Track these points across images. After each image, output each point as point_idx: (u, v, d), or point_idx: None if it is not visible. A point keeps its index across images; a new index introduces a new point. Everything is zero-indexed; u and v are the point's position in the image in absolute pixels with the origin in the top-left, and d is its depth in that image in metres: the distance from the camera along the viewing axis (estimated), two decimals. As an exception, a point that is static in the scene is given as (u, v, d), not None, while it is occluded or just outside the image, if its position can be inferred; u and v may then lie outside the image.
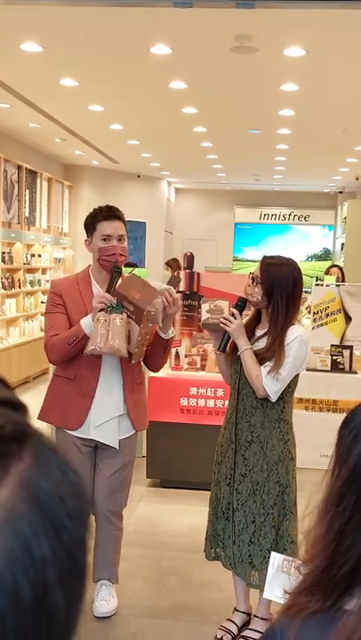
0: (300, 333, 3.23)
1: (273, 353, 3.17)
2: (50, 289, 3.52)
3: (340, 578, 0.94)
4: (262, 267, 3.24)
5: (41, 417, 3.51)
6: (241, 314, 3.30)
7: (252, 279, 3.25)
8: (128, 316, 3.23)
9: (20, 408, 0.58)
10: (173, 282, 3.40)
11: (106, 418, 3.42)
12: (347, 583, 0.94)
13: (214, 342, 3.44)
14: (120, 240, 3.40)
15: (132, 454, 3.62)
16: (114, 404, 3.44)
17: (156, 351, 3.46)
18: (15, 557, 0.47)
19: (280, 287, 3.18)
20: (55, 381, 3.52)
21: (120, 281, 3.36)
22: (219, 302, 3.35)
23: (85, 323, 3.26)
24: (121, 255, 3.40)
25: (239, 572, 3.34)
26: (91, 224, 3.43)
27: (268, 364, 3.17)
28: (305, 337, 3.26)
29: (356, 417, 1.01)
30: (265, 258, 3.30)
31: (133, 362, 3.34)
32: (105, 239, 3.37)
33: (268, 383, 3.16)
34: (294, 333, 3.21)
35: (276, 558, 1.62)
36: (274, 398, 3.21)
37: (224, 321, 3.24)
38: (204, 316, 3.35)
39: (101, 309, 3.21)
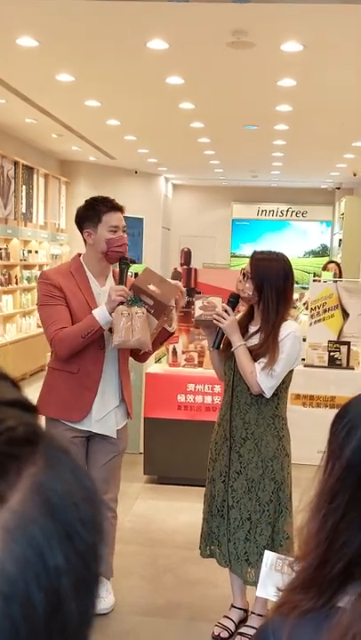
0: (293, 329, 3.22)
1: (267, 349, 3.16)
2: (43, 280, 3.37)
3: (334, 576, 0.92)
4: (252, 262, 3.23)
5: (40, 412, 3.47)
6: (234, 310, 3.29)
7: (243, 275, 3.24)
8: (147, 310, 3.24)
9: (31, 409, 0.56)
10: (177, 276, 3.42)
11: (106, 411, 3.43)
12: (340, 581, 0.92)
13: (208, 339, 3.43)
14: (125, 231, 3.42)
15: (126, 441, 3.64)
16: (112, 396, 3.45)
17: (156, 343, 3.47)
18: (28, 565, 0.45)
19: (270, 282, 3.17)
20: (54, 374, 3.46)
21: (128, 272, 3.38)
22: (212, 299, 3.33)
23: (100, 315, 3.20)
24: (126, 246, 3.41)
25: (235, 569, 3.33)
26: (94, 215, 3.36)
27: (263, 361, 3.15)
28: (298, 333, 3.25)
29: (349, 412, 0.99)
30: (255, 253, 3.30)
31: (141, 353, 3.38)
32: (113, 230, 3.34)
33: (263, 379, 3.15)
34: (288, 329, 3.19)
35: (269, 557, 1.61)
36: (268, 395, 3.19)
37: (217, 318, 3.22)
38: (198, 312, 3.33)
39: (121, 302, 3.19)
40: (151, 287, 3.25)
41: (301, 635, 0.92)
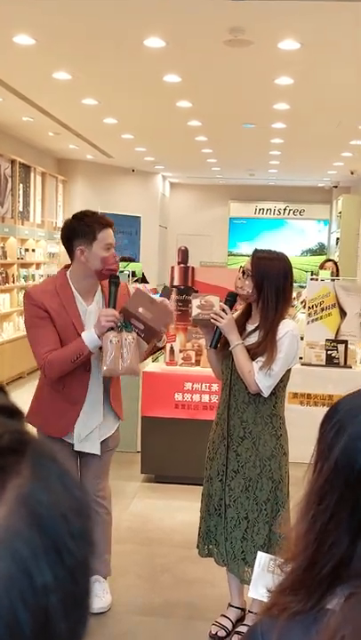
0: (290, 328, 3.22)
1: (265, 348, 3.15)
2: (28, 301, 3.27)
3: (323, 577, 0.92)
4: (253, 260, 3.22)
5: (28, 420, 3.47)
6: (231, 309, 3.28)
7: (243, 272, 3.23)
8: (137, 334, 3.20)
9: (17, 415, 0.54)
10: (166, 293, 3.37)
11: (89, 430, 3.40)
12: (329, 582, 0.92)
13: (205, 337, 3.42)
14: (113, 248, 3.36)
15: (116, 441, 3.61)
16: (97, 415, 3.41)
17: (145, 355, 3.46)
18: (14, 583, 0.43)
19: (270, 280, 3.17)
20: (42, 389, 3.45)
21: (118, 290, 3.31)
22: (209, 297, 3.31)
23: (89, 339, 3.15)
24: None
25: (232, 568, 3.32)
26: (89, 232, 3.23)
27: (260, 360, 3.14)
28: (296, 331, 3.24)
29: (338, 412, 0.98)
30: (257, 251, 3.29)
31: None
32: (108, 248, 3.26)
33: (261, 379, 3.14)
34: (285, 328, 3.19)
35: (262, 558, 1.61)
36: (266, 394, 3.18)
37: (215, 317, 3.21)
38: (195, 311, 3.30)
39: (110, 328, 3.13)
40: (141, 311, 3.18)
41: (290, 637, 0.91)
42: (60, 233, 3.45)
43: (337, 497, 0.92)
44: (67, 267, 3.41)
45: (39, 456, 0.50)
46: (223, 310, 3.22)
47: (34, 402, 3.48)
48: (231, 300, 3.29)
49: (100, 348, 3.21)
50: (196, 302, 3.32)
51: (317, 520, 0.93)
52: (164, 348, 3.54)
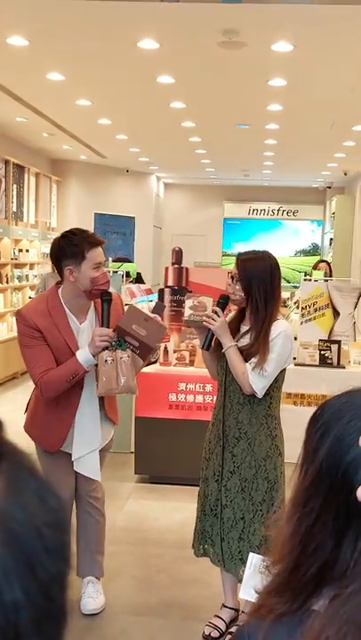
0: (283, 328, 3.22)
1: (257, 349, 3.16)
2: (21, 322, 3.25)
3: (308, 580, 0.92)
4: (238, 263, 3.23)
5: (25, 428, 3.48)
6: (223, 311, 3.28)
7: (232, 277, 3.24)
8: (132, 351, 3.19)
9: None
10: (159, 308, 3.36)
11: (86, 450, 3.40)
12: (314, 584, 0.92)
13: (199, 338, 3.42)
14: (103, 266, 3.30)
15: (110, 443, 3.62)
16: (93, 437, 3.40)
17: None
18: None
19: (257, 281, 3.17)
20: (36, 402, 3.44)
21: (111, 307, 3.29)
22: (202, 298, 3.31)
23: (84, 359, 3.15)
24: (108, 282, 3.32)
25: (229, 568, 3.33)
26: (77, 252, 3.19)
27: (253, 361, 3.16)
28: (289, 332, 3.25)
29: (324, 414, 0.98)
30: (240, 254, 3.29)
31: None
32: (97, 267, 3.22)
33: (255, 380, 3.15)
34: (278, 329, 3.20)
35: (253, 558, 1.61)
36: (260, 395, 3.19)
37: (207, 319, 3.21)
38: (187, 312, 3.30)
39: (105, 347, 3.13)
40: (135, 328, 3.17)
41: (276, 638, 0.91)
42: (49, 249, 3.41)
43: (322, 500, 0.92)
44: (59, 283, 3.37)
45: (15, 468, 0.49)
46: (216, 313, 3.22)
47: (30, 414, 3.49)
48: (224, 302, 3.28)
49: (96, 366, 3.20)
50: (188, 303, 3.32)
51: (302, 522, 0.94)
52: (165, 334, 3.54)
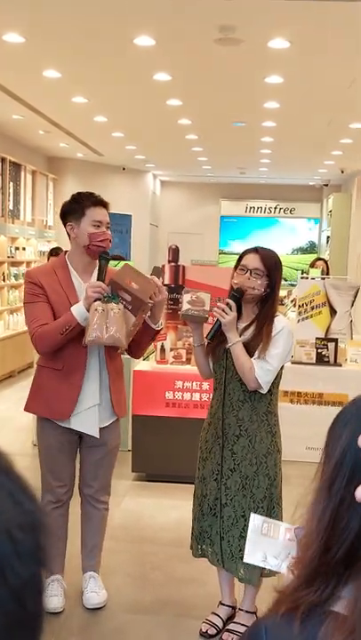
0: (285, 324, 3.26)
1: (259, 342, 3.17)
2: (27, 279, 3.41)
3: (338, 561, 0.92)
4: (263, 259, 3.23)
5: (27, 408, 3.52)
6: (236, 305, 3.25)
7: (250, 272, 3.21)
8: (124, 306, 3.22)
9: None
10: (157, 272, 3.36)
11: (82, 408, 3.41)
12: (344, 567, 0.92)
13: (193, 333, 3.40)
14: (108, 228, 3.39)
15: (116, 440, 3.63)
16: (91, 394, 3.42)
17: (143, 339, 3.45)
18: None
19: (279, 276, 3.26)
20: (41, 372, 3.48)
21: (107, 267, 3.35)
22: (200, 294, 3.30)
23: (78, 311, 3.21)
24: (109, 242, 3.39)
25: (229, 567, 3.32)
26: (78, 209, 3.36)
27: (256, 354, 3.16)
28: (290, 327, 3.29)
29: (347, 412, 1.00)
30: (261, 249, 3.29)
31: (119, 351, 3.33)
32: (96, 225, 3.33)
33: (261, 374, 3.15)
34: (281, 323, 3.23)
35: (255, 520, 1.59)
36: (265, 389, 3.19)
37: (220, 311, 3.18)
38: (185, 306, 3.29)
39: (97, 299, 3.18)
40: (129, 282, 3.22)
41: (304, 634, 0.91)
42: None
43: (346, 481, 0.93)
44: (66, 252, 3.51)
45: None
46: (229, 306, 3.19)
47: (33, 387, 3.51)
48: (238, 296, 3.22)
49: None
50: (186, 297, 3.30)
51: (329, 505, 0.95)
52: (158, 334, 3.53)
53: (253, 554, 1.55)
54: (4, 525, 0.45)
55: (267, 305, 3.23)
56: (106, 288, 3.21)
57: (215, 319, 3.22)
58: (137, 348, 3.51)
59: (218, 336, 3.26)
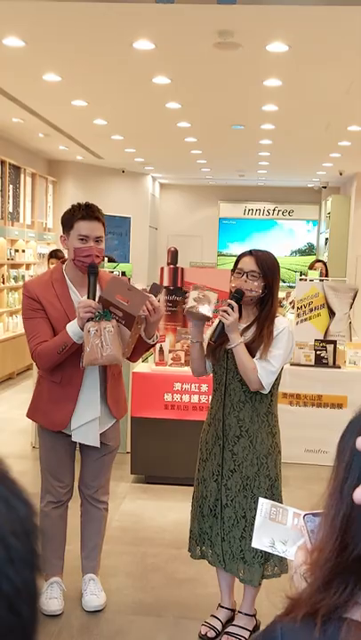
0: (286, 324, 3.29)
1: (260, 342, 3.19)
2: (24, 293, 3.39)
3: (355, 559, 0.92)
4: (258, 261, 3.26)
5: (29, 415, 3.58)
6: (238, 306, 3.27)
7: (246, 274, 3.24)
8: (117, 321, 3.19)
9: None
10: (155, 289, 3.33)
11: (83, 421, 3.42)
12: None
13: (192, 329, 3.40)
14: (97, 241, 3.31)
15: (116, 441, 3.64)
16: (91, 406, 3.43)
17: (139, 351, 3.46)
18: None
19: (275, 277, 3.28)
20: (41, 382, 3.51)
21: (97, 281, 3.32)
22: (208, 293, 3.29)
23: (72, 330, 3.19)
24: (97, 257, 3.31)
25: (230, 568, 3.33)
26: (68, 221, 3.32)
27: (258, 355, 3.18)
28: (291, 327, 3.32)
29: (359, 417, 1.02)
30: (255, 251, 3.32)
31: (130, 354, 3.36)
32: (82, 239, 3.28)
33: (263, 374, 3.17)
34: (282, 324, 3.26)
35: (263, 504, 1.58)
36: (267, 390, 3.22)
37: (223, 313, 3.19)
38: (191, 303, 3.28)
39: (90, 318, 3.15)
40: (118, 298, 3.18)
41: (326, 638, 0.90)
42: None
43: (356, 481, 0.94)
44: (64, 261, 3.49)
45: None
46: (231, 307, 3.20)
47: (34, 396, 3.55)
48: (239, 297, 3.25)
49: None
50: (193, 295, 3.30)
51: (341, 507, 0.95)
52: (154, 346, 3.54)
53: (261, 539, 1.53)
54: None
55: (266, 306, 3.26)
56: (96, 306, 3.17)
57: (218, 321, 3.25)
58: (134, 355, 3.52)
59: (218, 337, 3.28)
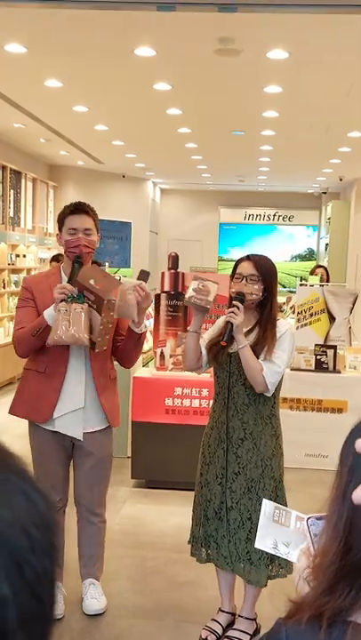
0: (288, 327, 3.35)
1: (264, 345, 3.22)
2: (22, 284, 3.58)
3: (360, 561, 0.92)
4: (256, 265, 3.30)
5: (11, 411, 3.57)
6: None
7: (245, 278, 3.27)
8: (90, 306, 3.27)
9: None
10: (143, 276, 3.36)
11: (65, 410, 3.44)
12: None
13: (193, 319, 3.43)
14: (87, 233, 3.44)
15: (107, 449, 3.62)
16: (75, 396, 3.45)
17: (128, 345, 3.49)
18: None
19: (273, 280, 3.32)
20: (25, 375, 3.56)
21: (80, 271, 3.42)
22: (208, 283, 3.32)
23: (48, 313, 3.29)
24: (86, 247, 3.42)
25: (237, 570, 3.35)
26: (61, 219, 3.49)
27: (262, 357, 3.21)
28: (293, 330, 3.35)
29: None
30: (252, 256, 3.36)
31: (97, 350, 3.34)
32: (71, 232, 3.43)
33: (269, 375, 3.20)
34: (285, 326, 3.32)
35: (267, 506, 1.59)
36: (271, 391, 3.25)
37: (231, 314, 3.21)
38: (190, 293, 3.32)
39: (62, 300, 3.24)
40: (92, 282, 3.28)
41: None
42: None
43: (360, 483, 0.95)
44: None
45: (5, 471, 0.51)
46: (237, 308, 3.22)
47: (18, 390, 3.57)
48: (241, 299, 3.27)
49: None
50: (193, 285, 3.33)
51: (344, 509, 0.96)
52: (143, 336, 3.55)
53: (264, 539, 1.54)
54: (20, 523, 0.48)
55: (266, 309, 3.31)
56: (72, 289, 3.27)
57: (224, 322, 3.27)
58: (124, 355, 3.55)
59: (229, 338, 3.28)
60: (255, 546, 1.61)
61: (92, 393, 3.48)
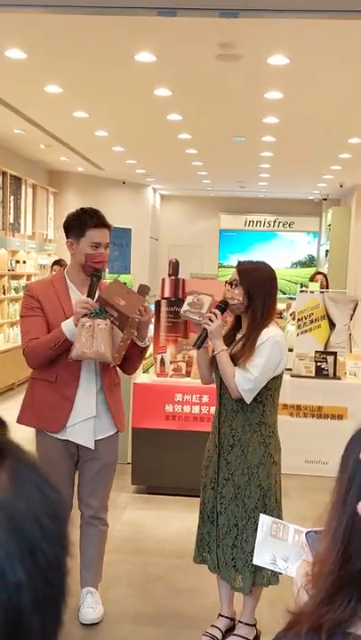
0: (272, 334, 3.25)
1: (243, 352, 3.22)
2: (25, 292, 3.50)
3: (359, 571, 0.92)
4: (239, 270, 3.31)
5: (20, 421, 3.52)
6: (222, 315, 3.33)
7: (230, 284, 3.30)
8: (112, 322, 3.25)
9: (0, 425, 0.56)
10: (143, 290, 3.38)
11: (78, 419, 3.43)
12: None
13: (197, 335, 3.44)
14: (107, 247, 3.44)
15: (112, 454, 3.62)
16: (87, 405, 3.44)
17: (133, 357, 3.49)
18: None
19: (258, 289, 3.26)
20: (34, 384, 3.52)
21: (98, 285, 3.40)
22: (202, 297, 3.38)
23: (67, 326, 3.26)
24: (106, 262, 3.46)
25: (224, 575, 3.35)
26: (79, 228, 3.41)
27: (240, 362, 3.21)
28: (279, 338, 3.28)
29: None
30: (240, 262, 3.38)
31: (111, 365, 3.36)
32: (94, 246, 3.39)
33: (241, 381, 3.18)
34: (268, 334, 3.24)
35: (264, 521, 1.57)
36: (248, 399, 3.22)
37: (205, 320, 3.26)
38: (185, 307, 3.38)
39: (85, 315, 3.22)
40: (116, 299, 3.27)
41: None
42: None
43: (359, 491, 0.94)
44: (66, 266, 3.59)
45: (18, 463, 0.53)
46: (215, 314, 3.26)
47: (27, 400, 3.53)
48: (223, 307, 3.32)
49: None
50: (188, 299, 3.40)
51: (343, 517, 0.95)
52: (146, 351, 3.57)
53: (262, 555, 1.53)
54: (34, 513, 0.51)
55: (255, 316, 3.27)
56: (94, 304, 3.25)
57: (203, 330, 3.30)
58: (128, 364, 3.54)
59: (201, 343, 3.33)
60: (253, 562, 1.60)
61: (102, 401, 3.49)
